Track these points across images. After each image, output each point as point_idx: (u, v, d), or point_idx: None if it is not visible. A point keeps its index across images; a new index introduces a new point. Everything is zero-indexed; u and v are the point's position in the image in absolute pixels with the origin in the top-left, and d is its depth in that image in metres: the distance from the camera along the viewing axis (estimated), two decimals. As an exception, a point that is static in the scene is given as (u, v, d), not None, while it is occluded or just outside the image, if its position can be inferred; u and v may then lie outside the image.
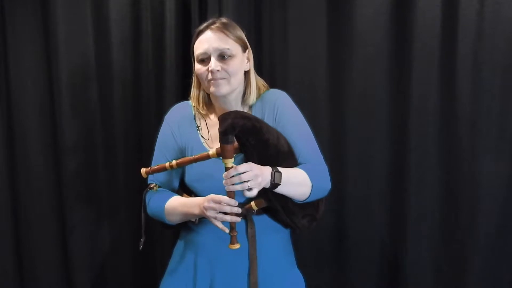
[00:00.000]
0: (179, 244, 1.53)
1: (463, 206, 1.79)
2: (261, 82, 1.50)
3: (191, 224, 1.45)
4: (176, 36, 1.92)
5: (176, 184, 1.50)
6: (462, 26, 1.72)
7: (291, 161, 1.37)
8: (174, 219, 1.43)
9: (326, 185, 1.40)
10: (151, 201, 1.46)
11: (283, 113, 1.42)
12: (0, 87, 2.00)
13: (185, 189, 1.48)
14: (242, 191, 1.23)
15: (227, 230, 1.30)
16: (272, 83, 1.78)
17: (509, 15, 1.69)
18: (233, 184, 1.22)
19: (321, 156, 1.42)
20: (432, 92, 1.77)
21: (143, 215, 1.48)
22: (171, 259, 1.55)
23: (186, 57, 1.92)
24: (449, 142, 1.79)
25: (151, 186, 1.47)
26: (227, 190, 1.25)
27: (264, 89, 1.49)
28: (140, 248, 1.49)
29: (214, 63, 1.35)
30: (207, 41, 1.37)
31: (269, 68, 1.90)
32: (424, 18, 1.74)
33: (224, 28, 1.38)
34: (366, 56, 1.81)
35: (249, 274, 1.39)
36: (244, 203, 1.35)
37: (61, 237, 2.07)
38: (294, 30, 1.86)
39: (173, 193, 1.47)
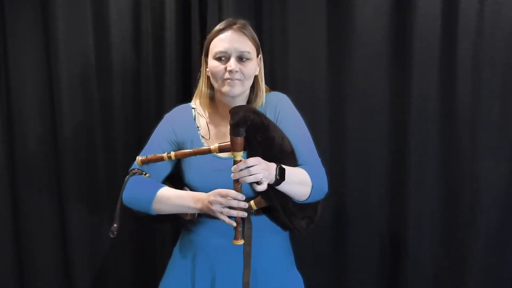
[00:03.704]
0: (179, 245, 1.53)
1: (463, 206, 1.79)
2: (265, 87, 1.51)
3: (189, 224, 1.45)
4: (176, 36, 1.92)
5: (164, 177, 1.46)
6: (462, 26, 1.72)
7: (293, 161, 1.37)
8: (162, 209, 1.38)
9: (324, 187, 1.41)
10: (136, 187, 1.40)
11: (284, 116, 1.42)
12: (0, 87, 2.00)
13: (172, 183, 1.44)
14: (251, 185, 1.23)
15: (234, 224, 1.29)
16: (272, 83, 1.78)
17: (509, 15, 1.69)
18: (243, 177, 1.21)
19: (319, 159, 1.43)
20: (432, 92, 1.77)
21: (120, 199, 1.43)
22: (171, 259, 1.54)
23: (186, 57, 1.93)
24: (449, 142, 1.79)
25: (135, 171, 1.42)
26: (235, 184, 1.25)
27: (266, 92, 1.50)
28: (112, 236, 1.41)
29: (234, 64, 1.35)
30: (229, 40, 1.37)
31: (269, 68, 1.90)
32: (424, 18, 1.74)
33: (244, 30, 1.39)
34: (366, 56, 1.81)
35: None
36: None
37: (61, 237, 2.07)
38: (294, 30, 1.86)
39: (162, 184, 1.43)
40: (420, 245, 1.84)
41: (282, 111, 1.43)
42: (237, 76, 1.36)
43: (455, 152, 1.79)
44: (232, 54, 1.37)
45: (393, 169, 1.85)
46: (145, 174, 1.42)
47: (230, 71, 1.35)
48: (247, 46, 1.38)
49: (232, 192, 1.26)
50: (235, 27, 1.39)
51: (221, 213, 1.28)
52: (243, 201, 1.28)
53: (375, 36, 1.80)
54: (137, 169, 1.43)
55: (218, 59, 1.38)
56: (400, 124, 1.82)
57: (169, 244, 1.98)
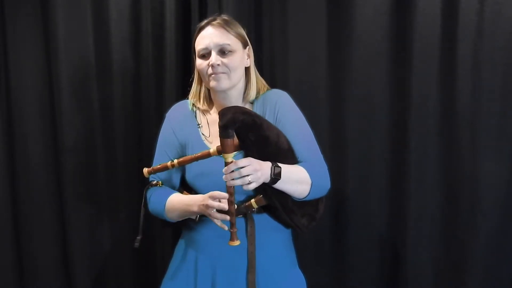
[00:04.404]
0: (181, 243, 1.53)
1: (463, 206, 1.79)
2: (262, 81, 1.51)
3: (192, 223, 1.46)
4: (176, 36, 1.92)
5: (177, 181, 1.50)
6: (462, 26, 1.71)
7: (291, 159, 1.37)
8: (174, 216, 1.43)
9: (325, 183, 1.41)
10: (152, 197, 1.47)
11: (284, 113, 1.43)
12: (0, 87, 2.00)
13: (186, 187, 1.48)
14: (241, 186, 1.24)
15: (226, 228, 1.30)
16: (272, 83, 1.78)
17: (509, 15, 1.69)
18: (233, 179, 1.22)
19: (321, 156, 1.43)
20: (432, 92, 1.77)
21: (142, 212, 1.48)
22: (173, 258, 1.55)
23: (186, 57, 1.93)
24: (449, 142, 1.79)
25: (153, 182, 1.48)
26: (227, 185, 1.25)
27: (265, 89, 1.50)
28: (136, 246, 1.47)
29: (214, 57, 1.37)
30: (208, 36, 1.39)
31: (269, 68, 1.90)
32: (424, 18, 1.74)
33: (224, 24, 1.40)
34: (366, 56, 1.81)
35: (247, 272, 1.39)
36: (244, 201, 1.36)
37: (61, 237, 2.07)
38: (294, 30, 1.86)
39: (174, 190, 1.47)
40: (420, 245, 1.83)
41: (282, 109, 1.43)
42: (220, 69, 1.37)
43: (455, 152, 1.79)
44: (213, 49, 1.38)
45: (393, 169, 1.85)
46: (159, 183, 1.47)
47: (212, 66, 1.36)
48: (227, 39, 1.39)
49: (217, 193, 1.27)
50: (214, 23, 1.41)
51: (212, 215, 1.30)
52: (231, 201, 1.28)
53: (375, 36, 1.80)
54: (155, 181, 1.48)
55: (202, 56, 1.40)
56: (400, 124, 1.82)
57: (169, 244, 1.98)
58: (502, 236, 1.78)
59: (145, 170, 1.45)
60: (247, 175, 1.21)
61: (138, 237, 1.47)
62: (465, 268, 1.81)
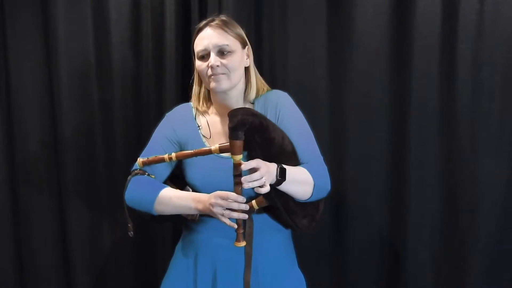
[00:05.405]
0: (180, 244, 1.53)
1: (463, 206, 1.79)
2: (262, 81, 1.50)
3: (191, 223, 1.45)
4: (176, 36, 1.93)
5: (165, 177, 1.46)
6: (462, 26, 1.71)
7: (294, 161, 1.37)
8: (164, 210, 1.38)
9: (327, 185, 1.41)
10: (138, 187, 1.40)
11: (285, 114, 1.43)
12: (0, 87, 2.00)
13: (175, 183, 1.45)
14: (252, 188, 1.23)
15: (235, 226, 1.29)
16: (272, 83, 1.78)
17: (509, 15, 1.69)
18: (252, 184, 1.20)
19: (322, 157, 1.43)
20: (432, 92, 1.77)
21: (125, 201, 1.42)
22: (172, 258, 1.54)
23: (186, 57, 1.93)
24: (449, 142, 1.79)
25: (138, 171, 1.42)
26: (238, 185, 1.24)
27: (265, 89, 1.50)
28: (131, 235, 1.44)
29: (213, 59, 1.36)
30: (207, 37, 1.39)
31: (269, 68, 1.90)
32: (424, 18, 1.74)
33: (223, 25, 1.39)
34: (366, 56, 1.81)
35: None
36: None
37: (61, 237, 2.07)
38: (294, 30, 1.86)
39: (164, 184, 1.43)
40: (420, 245, 1.84)
41: (283, 110, 1.43)
42: (220, 70, 1.36)
43: (455, 152, 1.79)
44: (212, 50, 1.37)
45: (393, 169, 1.85)
46: (148, 175, 1.42)
47: (211, 67, 1.36)
48: (226, 39, 1.38)
49: (232, 195, 1.26)
50: (212, 24, 1.40)
51: (222, 215, 1.28)
52: (244, 203, 1.28)
53: (375, 36, 1.80)
54: (139, 169, 1.43)
55: (201, 58, 1.40)
56: (400, 124, 1.82)
57: (169, 244, 1.98)
58: (502, 236, 1.78)
59: (140, 160, 1.41)
60: (262, 178, 1.21)
61: (129, 225, 1.44)
62: (465, 268, 1.81)
